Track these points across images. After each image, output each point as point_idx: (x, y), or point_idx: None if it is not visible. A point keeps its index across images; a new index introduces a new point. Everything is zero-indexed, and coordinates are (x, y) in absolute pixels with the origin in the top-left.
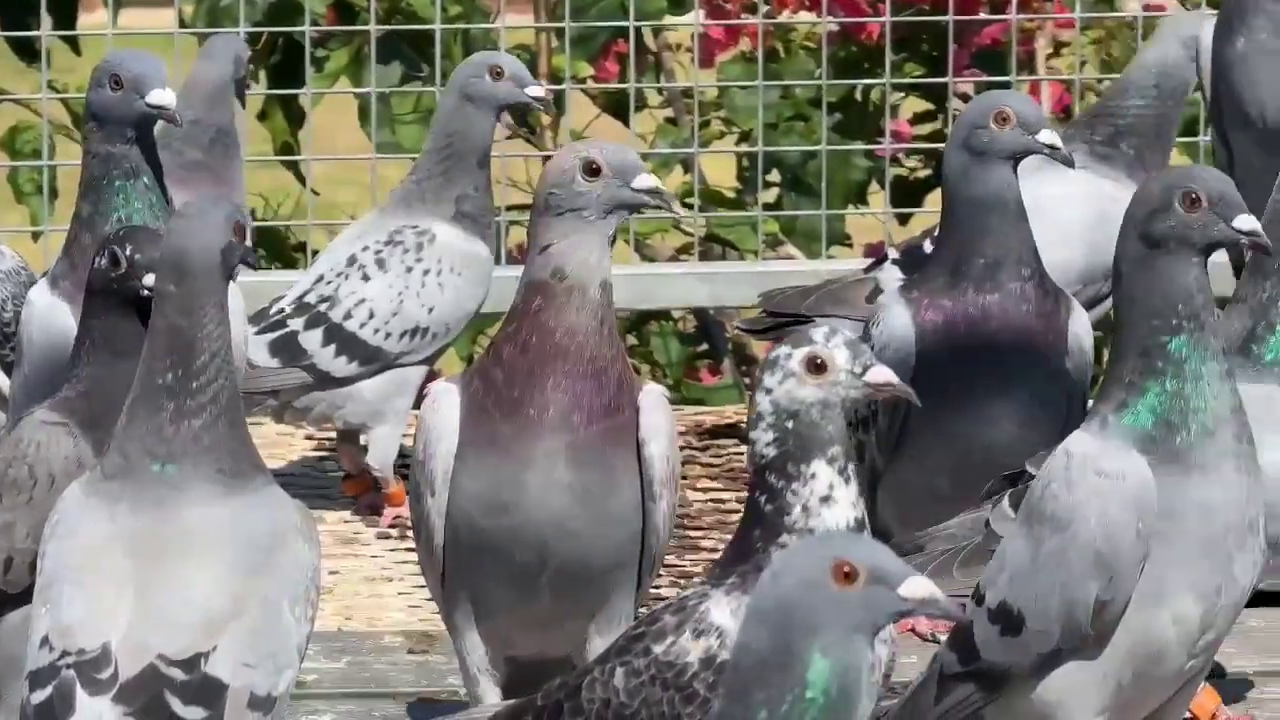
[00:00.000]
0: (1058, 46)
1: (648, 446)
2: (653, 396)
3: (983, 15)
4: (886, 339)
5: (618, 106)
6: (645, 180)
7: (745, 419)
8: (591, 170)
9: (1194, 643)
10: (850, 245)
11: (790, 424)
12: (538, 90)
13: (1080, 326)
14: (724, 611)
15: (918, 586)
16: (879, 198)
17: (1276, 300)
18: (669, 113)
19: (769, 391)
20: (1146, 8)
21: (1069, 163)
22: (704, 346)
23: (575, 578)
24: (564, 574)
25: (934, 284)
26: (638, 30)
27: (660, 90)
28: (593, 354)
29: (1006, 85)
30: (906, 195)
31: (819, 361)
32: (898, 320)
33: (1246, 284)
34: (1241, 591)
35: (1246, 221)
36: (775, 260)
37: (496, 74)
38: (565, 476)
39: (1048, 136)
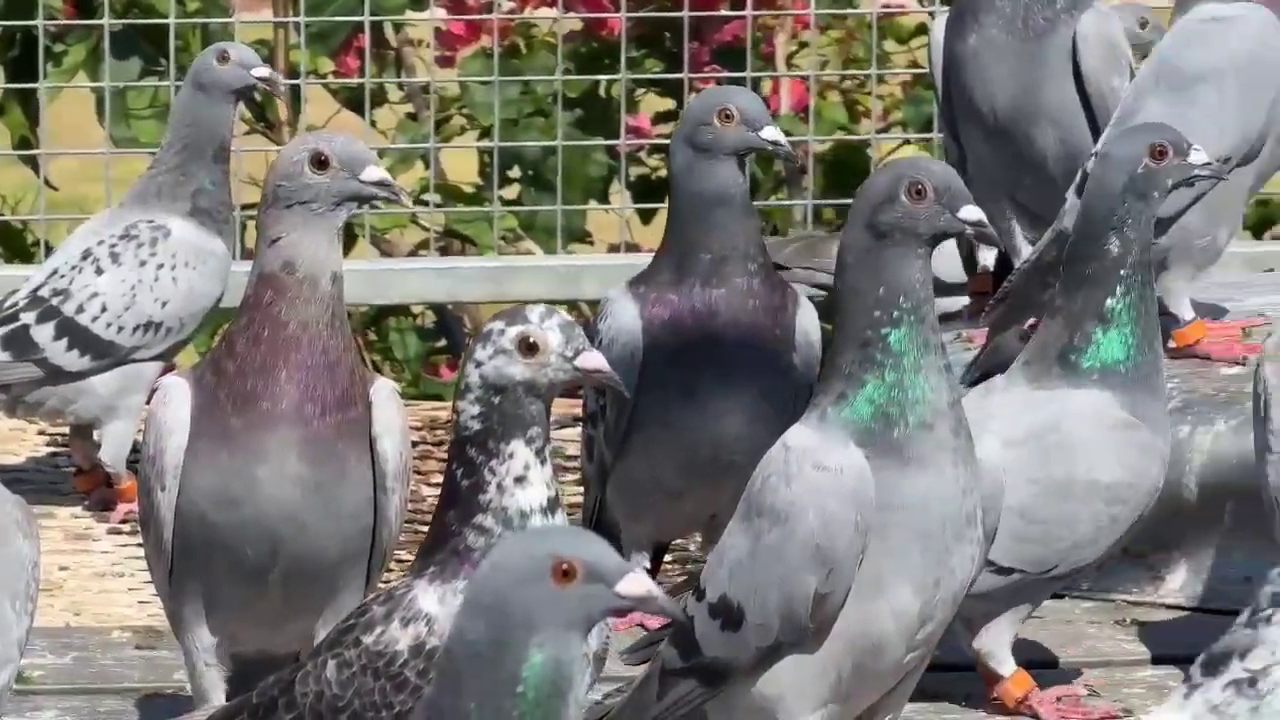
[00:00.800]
0: (801, 45)
1: (381, 441)
2: (384, 392)
3: (723, 12)
4: (614, 334)
5: (358, 102)
6: (374, 172)
7: None
8: (319, 162)
9: (913, 635)
10: (591, 242)
11: (497, 400)
12: (263, 70)
13: (807, 320)
14: (431, 599)
15: (634, 584)
16: (624, 195)
17: (1089, 311)
18: (410, 108)
19: (479, 364)
20: (885, 6)
21: (791, 159)
22: (443, 342)
23: (305, 572)
24: (294, 568)
25: (660, 279)
26: (379, 26)
27: (400, 86)
28: (325, 347)
29: (743, 82)
30: (649, 192)
31: (531, 341)
32: (624, 315)
33: (1061, 294)
34: (959, 584)
35: (972, 212)
36: (513, 256)
37: (223, 59)
38: (297, 469)
39: (770, 133)
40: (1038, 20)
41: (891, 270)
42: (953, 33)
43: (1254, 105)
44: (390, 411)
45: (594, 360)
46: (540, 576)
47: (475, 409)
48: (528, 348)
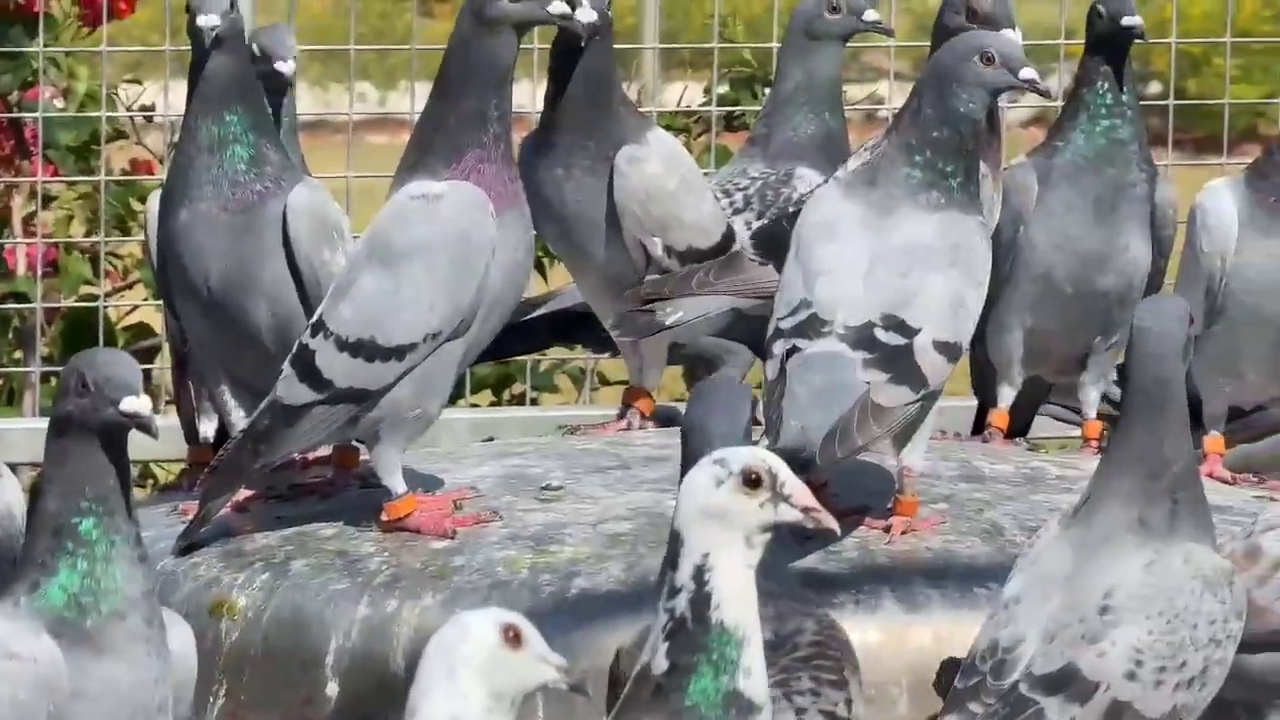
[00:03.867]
0: (44, 201)
1: None
2: None
3: None
4: None
5: None
6: None
7: None
8: None
9: None
10: None
11: None
12: None
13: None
14: None
15: None
16: None
17: None
18: None
19: None
20: (129, 169)
21: None
22: None
23: None
24: None
25: None
26: None
27: None
28: None
29: None
30: None
31: None
32: None
33: None
34: None
35: (131, 403)
36: None
37: None
38: None
39: None
40: (249, 193)
41: (78, 461)
42: (166, 204)
43: (463, 281)
44: None
45: None
46: None
47: None
48: None
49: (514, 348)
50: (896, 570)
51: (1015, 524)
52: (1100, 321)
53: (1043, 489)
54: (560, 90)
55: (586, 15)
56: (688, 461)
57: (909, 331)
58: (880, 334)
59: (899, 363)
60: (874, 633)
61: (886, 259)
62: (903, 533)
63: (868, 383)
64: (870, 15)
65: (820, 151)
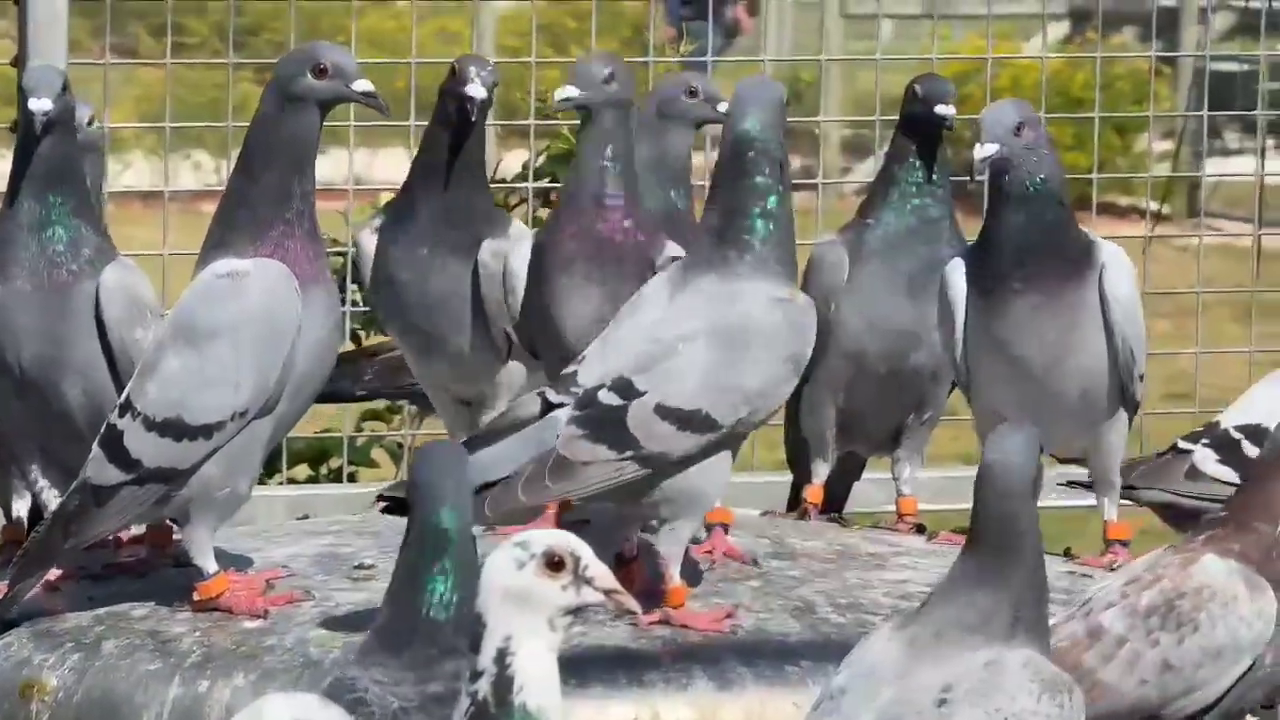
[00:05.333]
0: None
1: None
2: None
3: None
4: None
5: None
6: None
7: None
8: None
9: None
10: None
11: None
12: None
13: None
14: None
15: None
16: None
17: None
18: None
19: None
20: None
21: None
22: None
23: None
24: None
25: None
26: None
27: None
28: None
29: None
30: None
31: None
32: None
33: None
34: None
35: None
36: None
37: None
38: None
39: None
40: (63, 272)
41: None
42: None
43: (269, 358)
44: None
45: None
46: None
47: None
48: None
49: (350, 392)
50: (708, 648)
51: (827, 601)
52: (913, 398)
53: (855, 565)
54: (431, 167)
55: (477, 92)
56: (414, 523)
57: (633, 394)
58: (603, 395)
59: (603, 422)
60: (685, 710)
61: (658, 326)
62: (661, 622)
63: (557, 435)
64: (723, 107)
65: (662, 228)
